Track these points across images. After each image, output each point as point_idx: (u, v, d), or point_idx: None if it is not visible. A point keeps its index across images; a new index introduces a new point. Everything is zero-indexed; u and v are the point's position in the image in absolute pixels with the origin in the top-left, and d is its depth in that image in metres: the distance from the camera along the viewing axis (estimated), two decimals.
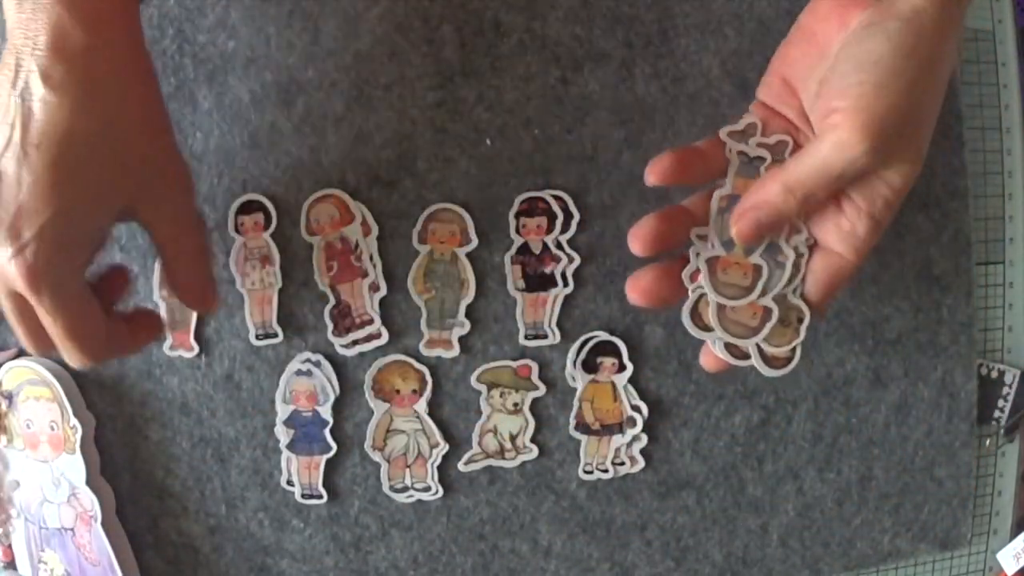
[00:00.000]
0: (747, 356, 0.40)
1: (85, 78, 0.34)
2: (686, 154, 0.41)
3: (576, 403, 0.51)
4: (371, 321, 0.49)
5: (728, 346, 0.40)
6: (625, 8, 0.49)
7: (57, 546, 0.52)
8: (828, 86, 0.37)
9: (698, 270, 0.40)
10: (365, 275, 0.49)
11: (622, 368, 0.51)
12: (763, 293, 0.39)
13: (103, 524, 0.50)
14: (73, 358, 0.37)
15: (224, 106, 0.48)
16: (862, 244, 0.38)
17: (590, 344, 0.51)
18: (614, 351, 0.51)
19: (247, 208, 0.49)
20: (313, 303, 0.50)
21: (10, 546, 0.53)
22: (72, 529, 0.51)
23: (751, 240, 0.39)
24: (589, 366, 0.51)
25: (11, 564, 0.53)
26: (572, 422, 0.52)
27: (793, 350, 0.40)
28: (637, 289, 0.40)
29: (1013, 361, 0.58)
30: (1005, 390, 0.57)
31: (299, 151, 0.48)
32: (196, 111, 0.48)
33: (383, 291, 0.49)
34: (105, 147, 0.35)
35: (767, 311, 0.40)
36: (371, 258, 0.49)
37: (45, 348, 0.37)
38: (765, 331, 0.40)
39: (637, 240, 0.40)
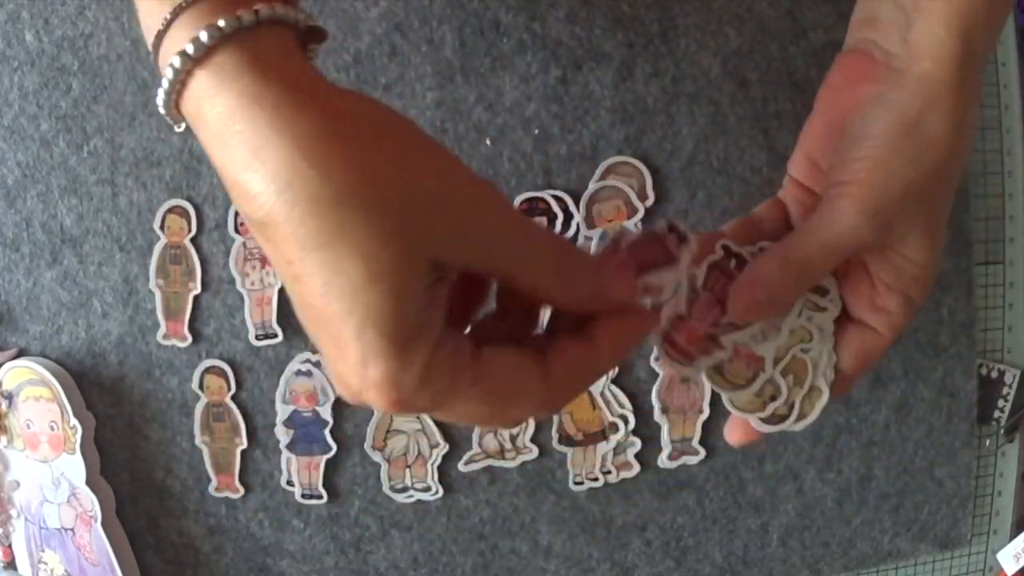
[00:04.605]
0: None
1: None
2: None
3: (556, 417, 0.51)
4: None
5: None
6: (625, 8, 0.49)
7: (57, 546, 0.52)
8: (834, 162, 0.36)
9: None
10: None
11: None
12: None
13: (103, 524, 0.50)
14: (530, 412, 0.30)
15: None
16: (895, 320, 0.37)
17: None
18: None
19: None
20: None
21: (10, 546, 0.53)
22: (72, 529, 0.51)
23: (749, 318, 0.36)
24: None
25: (11, 564, 0.53)
26: (555, 436, 0.52)
27: (772, 414, 0.38)
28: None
29: (1013, 361, 0.58)
30: (1005, 390, 0.57)
31: None
32: None
33: None
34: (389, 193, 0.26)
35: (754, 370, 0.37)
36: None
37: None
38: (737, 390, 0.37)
39: None
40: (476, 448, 0.52)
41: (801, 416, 0.38)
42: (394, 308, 0.26)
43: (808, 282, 0.36)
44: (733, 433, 0.39)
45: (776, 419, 0.38)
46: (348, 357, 0.26)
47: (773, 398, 0.38)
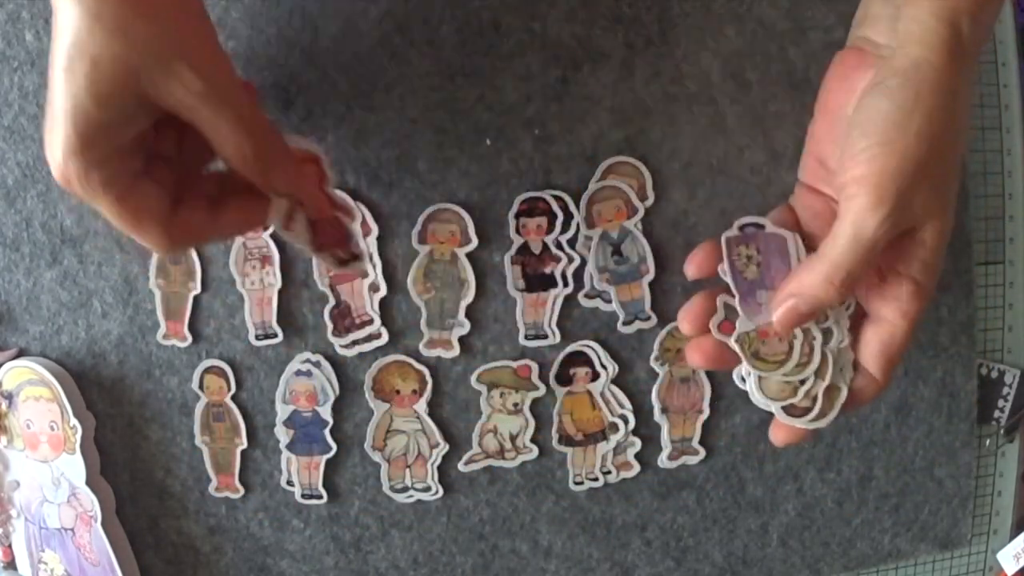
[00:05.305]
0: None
1: None
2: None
3: (556, 417, 0.51)
4: (371, 321, 0.49)
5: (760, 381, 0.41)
6: (625, 8, 0.49)
7: (57, 546, 0.52)
8: (842, 157, 0.37)
9: (727, 320, 0.41)
10: (365, 275, 0.49)
11: (596, 376, 0.51)
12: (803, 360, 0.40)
13: (103, 524, 0.50)
14: (148, 244, 0.36)
15: None
16: (908, 308, 0.38)
17: (560, 357, 0.51)
18: (586, 361, 0.51)
19: None
20: (313, 303, 0.50)
21: (10, 546, 0.53)
22: (72, 529, 0.51)
23: (790, 329, 0.39)
24: (563, 378, 0.51)
25: (11, 564, 0.53)
26: (555, 436, 0.52)
27: (792, 406, 0.41)
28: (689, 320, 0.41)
29: (1013, 361, 0.58)
30: (1005, 390, 0.57)
31: None
32: None
33: (383, 291, 0.49)
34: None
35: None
36: (371, 258, 0.49)
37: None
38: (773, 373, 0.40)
39: (686, 321, 0.41)
40: (476, 448, 0.52)
41: (822, 413, 0.40)
42: (101, 106, 0.32)
43: (850, 288, 0.37)
44: (776, 433, 0.42)
45: (799, 411, 0.40)
46: (55, 124, 0.32)
47: (802, 382, 0.40)
